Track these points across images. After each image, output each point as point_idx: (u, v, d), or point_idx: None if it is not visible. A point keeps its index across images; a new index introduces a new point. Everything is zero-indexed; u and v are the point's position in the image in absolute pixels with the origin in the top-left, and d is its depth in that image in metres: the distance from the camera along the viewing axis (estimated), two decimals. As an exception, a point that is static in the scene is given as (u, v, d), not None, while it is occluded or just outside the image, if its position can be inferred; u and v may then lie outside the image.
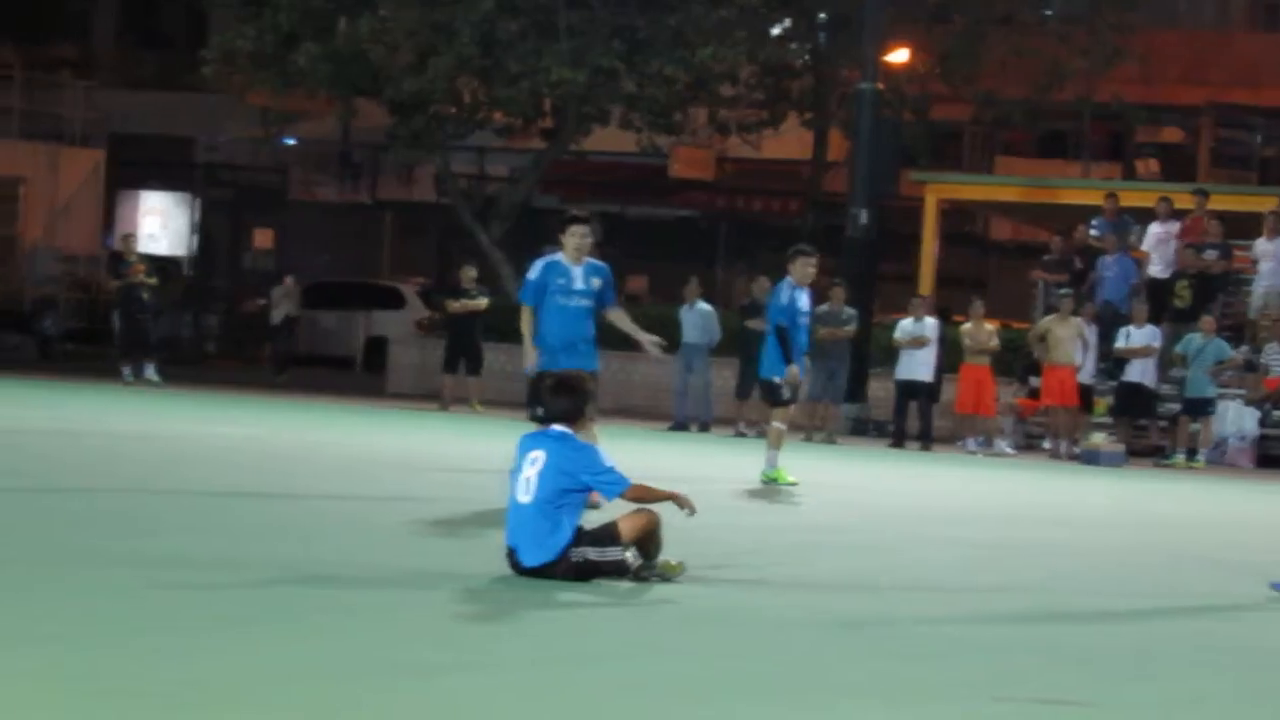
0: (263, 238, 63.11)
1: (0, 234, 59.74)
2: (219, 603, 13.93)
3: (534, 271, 21.95)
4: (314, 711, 10.52)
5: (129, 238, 45.71)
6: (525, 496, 15.24)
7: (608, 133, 55.61)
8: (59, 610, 13.19)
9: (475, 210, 53.36)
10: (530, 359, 21.85)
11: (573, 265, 21.63)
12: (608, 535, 15.29)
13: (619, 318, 22.62)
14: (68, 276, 56.08)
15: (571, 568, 15.02)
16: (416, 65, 50.41)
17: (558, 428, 15.69)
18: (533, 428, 16.63)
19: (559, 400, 17.04)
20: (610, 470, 15.31)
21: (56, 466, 24.05)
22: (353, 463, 27.47)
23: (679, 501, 15.48)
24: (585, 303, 21.70)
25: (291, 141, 63.14)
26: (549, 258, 21.94)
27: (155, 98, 61.87)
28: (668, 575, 15.39)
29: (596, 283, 21.57)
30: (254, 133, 61.37)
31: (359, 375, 48.03)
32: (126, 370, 43.94)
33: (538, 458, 15.37)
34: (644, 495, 15.35)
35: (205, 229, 66.36)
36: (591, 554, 15.17)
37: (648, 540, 15.36)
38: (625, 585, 15.35)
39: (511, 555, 15.30)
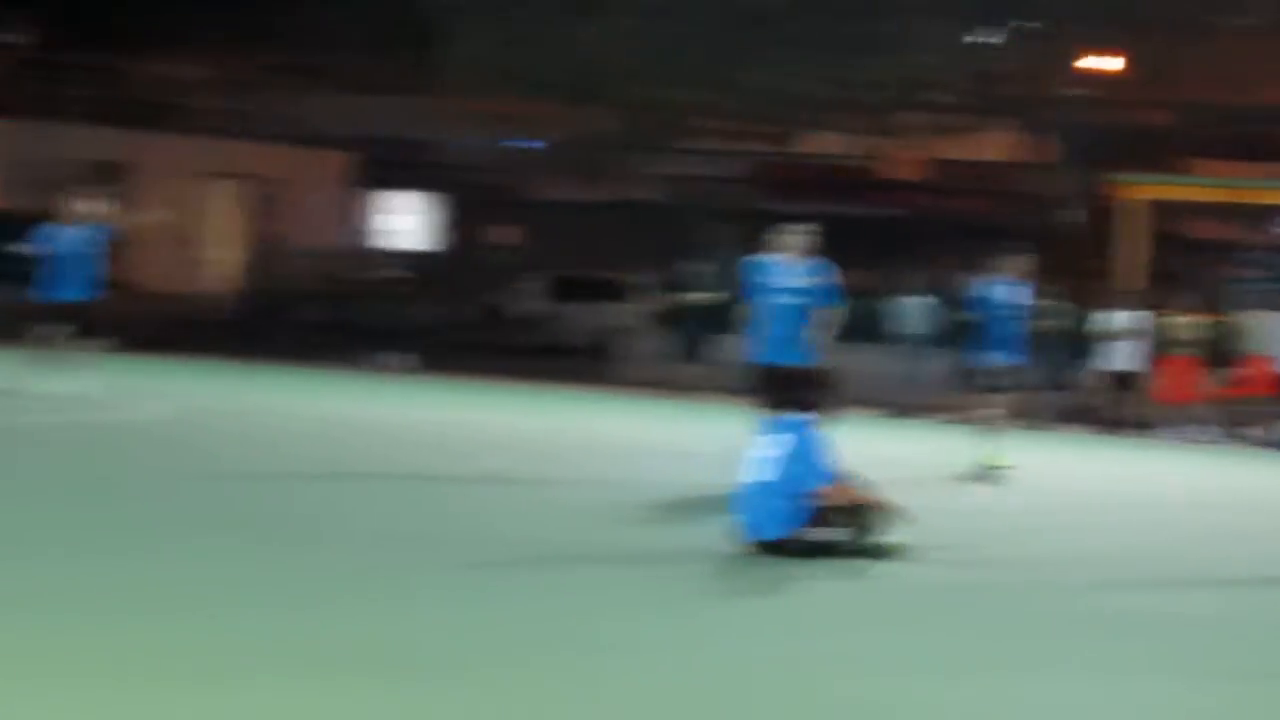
0: (505, 235, 63.45)
1: (262, 230, 60.54)
2: (479, 577, 14.31)
3: (753, 269, 22.03)
4: (558, 677, 10.88)
5: (384, 235, 46.40)
6: (762, 477, 15.41)
7: (825, 136, 56.08)
8: (316, 577, 13.84)
9: (703, 209, 53.71)
10: (746, 351, 22.02)
11: (789, 264, 21.61)
12: (834, 516, 15.46)
13: (828, 320, 22.26)
14: (325, 270, 56.62)
15: (801, 545, 15.21)
16: (648, 73, 50.88)
17: (797, 416, 15.88)
18: (760, 416, 16.95)
19: (800, 392, 17.74)
20: (827, 464, 15.54)
21: (302, 450, 24.51)
22: (589, 447, 27.68)
23: (885, 508, 15.77)
24: (799, 300, 21.56)
25: (532, 144, 63.62)
26: (767, 256, 21.98)
27: (404, 103, 62.34)
28: (890, 553, 15.54)
29: (811, 281, 21.58)
30: (497, 136, 62.16)
31: (596, 363, 48.16)
32: (382, 358, 44.48)
33: (776, 442, 15.62)
34: (847, 495, 15.52)
35: (452, 227, 66.90)
36: (819, 533, 15.35)
37: (869, 523, 15.63)
38: (851, 562, 15.52)
39: (746, 531, 15.47)
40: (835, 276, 21.70)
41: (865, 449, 16.24)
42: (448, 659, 11.25)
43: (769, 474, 15.50)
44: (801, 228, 21.77)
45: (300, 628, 11.78)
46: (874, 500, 15.65)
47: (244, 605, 12.45)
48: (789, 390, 20.91)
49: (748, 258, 22.44)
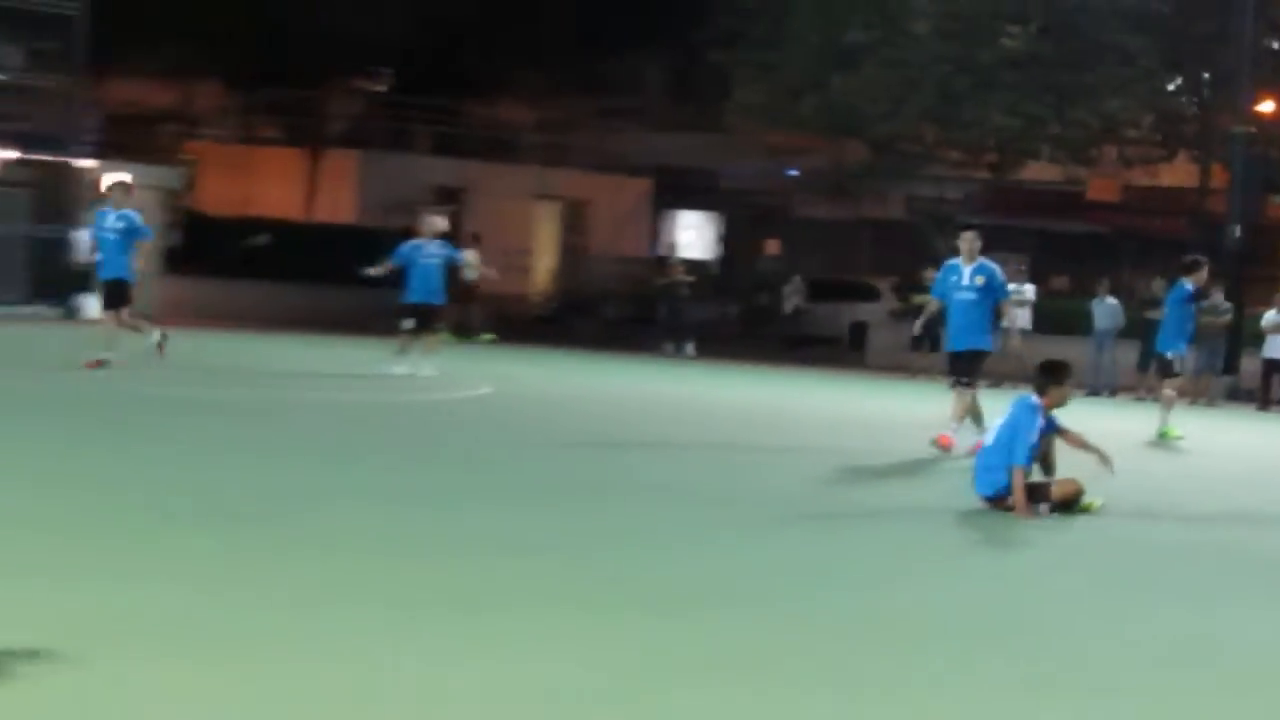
0: (771, 246, 63.89)
1: (573, 242, 61.47)
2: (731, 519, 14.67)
3: (940, 271, 22.25)
4: (843, 607, 11.07)
5: (671, 246, 47.09)
6: (991, 441, 15.79)
7: (1036, 165, 56.64)
8: (645, 528, 14.14)
9: (934, 226, 54.31)
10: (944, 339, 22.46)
11: (964, 265, 21.55)
12: (1040, 491, 15.59)
13: (1006, 313, 22.61)
14: (622, 275, 57.32)
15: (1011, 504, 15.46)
16: (890, 113, 51.58)
17: (1033, 397, 15.80)
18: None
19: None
20: (1029, 446, 15.41)
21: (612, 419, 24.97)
22: (839, 420, 27.83)
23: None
24: (972, 295, 21.40)
25: (793, 172, 64.04)
26: (950, 260, 22.16)
27: (690, 138, 62.93)
28: (1087, 511, 15.73)
29: (981, 280, 21.42)
30: (765, 164, 62.87)
31: (845, 352, 48.52)
32: (669, 347, 45.14)
33: (1007, 414, 15.79)
34: (1020, 485, 15.37)
35: (727, 240, 67.49)
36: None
37: (1068, 503, 15.70)
38: (1062, 518, 15.60)
39: (976, 489, 15.84)
40: (999, 275, 21.59)
41: (1068, 421, 16.30)
42: (752, 592, 11.39)
43: (994, 440, 15.66)
44: (969, 235, 21.94)
45: (646, 569, 12.10)
46: (1074, 488, 15.72)
47: (603, 549, 12.77)
48: (968, 369, 21.36)
49: (944, 262, 22.56)
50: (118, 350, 26.00)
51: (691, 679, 8.74)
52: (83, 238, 41.33)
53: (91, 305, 39.86)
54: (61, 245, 43.09)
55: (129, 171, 45.05)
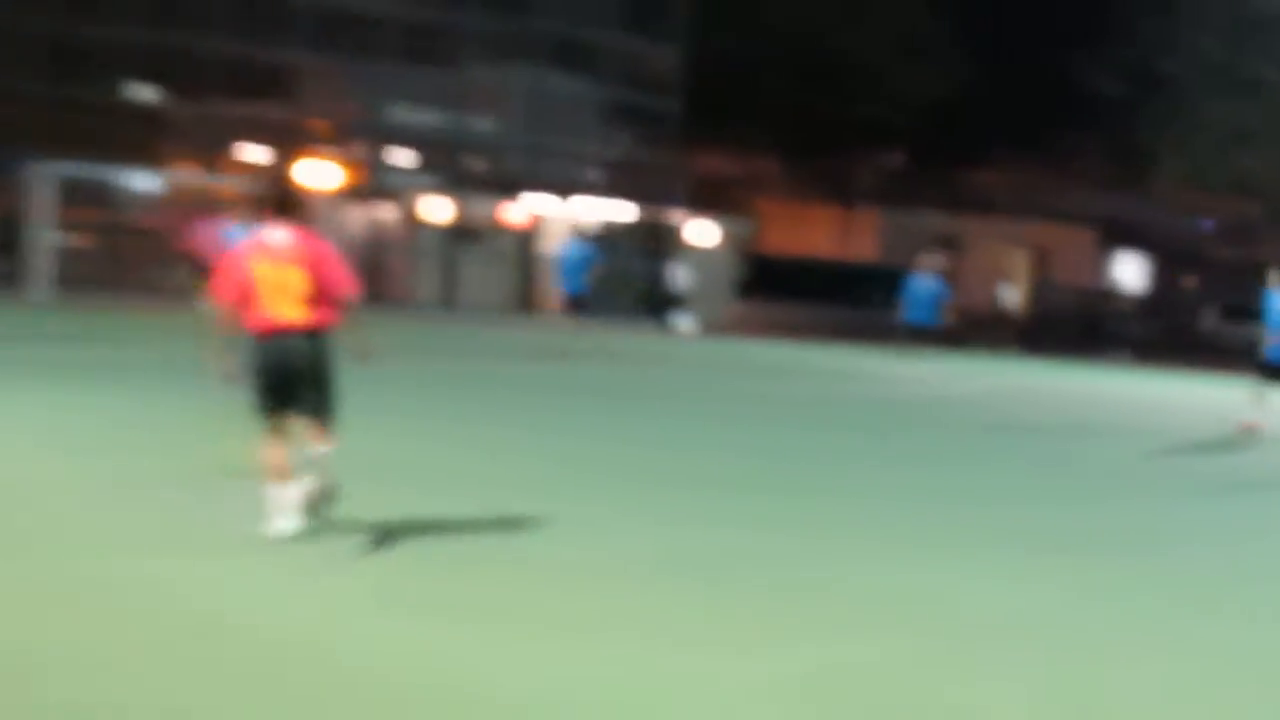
0: (1189, 281, 62.36)
1: (1039, 277, 60.93)
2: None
3: (1266, 296, 20.36)
4: (1181, 559, 11.08)
5: (1113, 280, 46.89)
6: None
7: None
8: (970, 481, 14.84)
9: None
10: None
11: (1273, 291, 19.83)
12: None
13: None
14: (1076, 301, 57.22)
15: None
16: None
17: None
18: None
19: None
20: None
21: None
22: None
23: None
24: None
25: (1208, 223, 63.29)
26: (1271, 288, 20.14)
27: (1125, 196, 62.06)
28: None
29: None
30: (1185, 218, 62.34)
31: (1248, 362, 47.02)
32: (1114, 354, 44.73)
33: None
34: None
35: (1156, 275, 66.56)
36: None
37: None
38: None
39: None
40: None
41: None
42: (1124, 541, 11.55)
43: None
44: (1274, 267, 20.23)
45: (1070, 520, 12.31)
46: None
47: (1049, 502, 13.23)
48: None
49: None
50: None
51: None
52: (676, 271, 44.37)
53: (682, 321, 42.80)
54: (660, 277, 45.64)
55: (710, 224, 48.18)
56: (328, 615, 7.83)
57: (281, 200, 9.56)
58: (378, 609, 8.01)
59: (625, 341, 33.82)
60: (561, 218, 45.50)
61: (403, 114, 44.98)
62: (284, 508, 9.56)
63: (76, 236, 40.39)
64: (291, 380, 9.37)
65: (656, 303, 44.94)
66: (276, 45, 46.15)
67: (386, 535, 9.74)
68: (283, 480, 9.55)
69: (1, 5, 53.28)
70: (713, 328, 42.94)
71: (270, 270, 9.29)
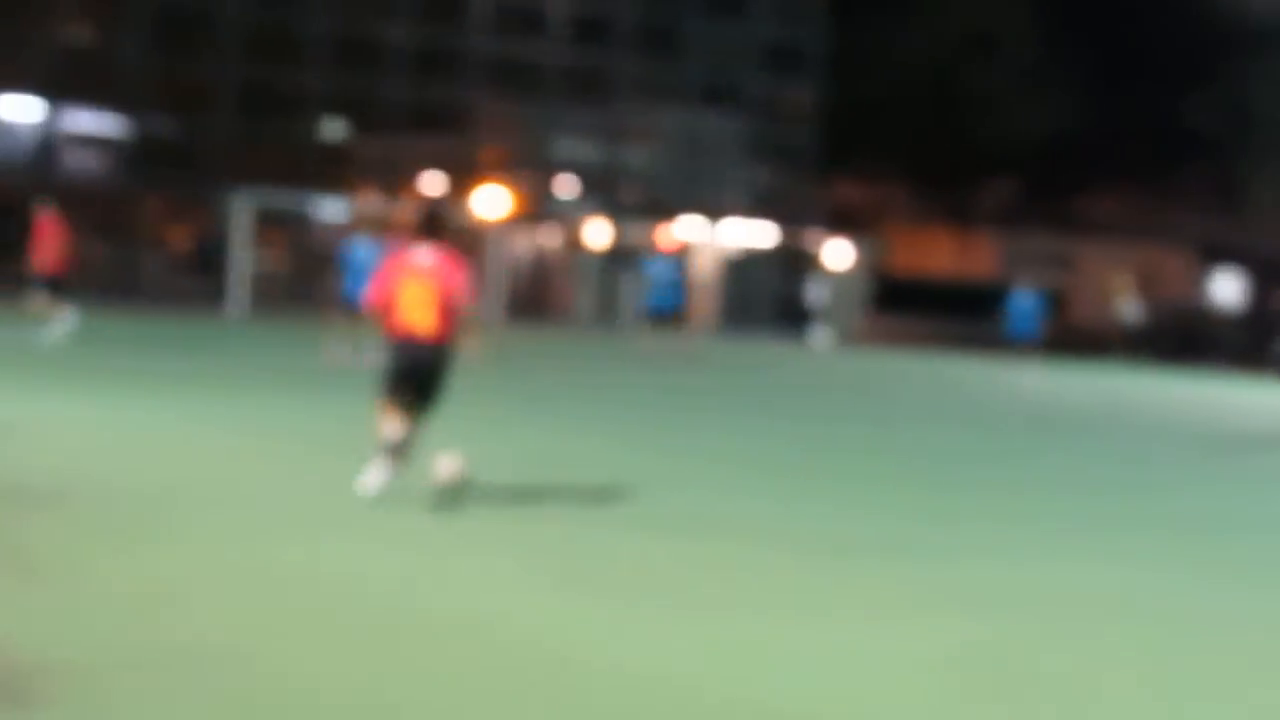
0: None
1: (1146, 293, 60.13)
2: None
3: None
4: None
5: (1210, 297, 46.04)
6: None
7: None
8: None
9: None
10: None
11: None
12: None
13: None
14: (1177, 316, 56.27)
15: None
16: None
17: None
18: None
19: None
20: None
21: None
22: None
23: None
24: None
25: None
26: None
27: (1223, 218, 61.48)
28: None
29: None
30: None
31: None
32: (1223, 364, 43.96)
33: None
34: None
35: (1252, 291, 65.43)
36: None
37: None
38: None
39: None
40: None
41: None
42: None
43: None
44: None
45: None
46: None
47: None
48: None
49: None
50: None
51: None
52: (812, 289, 43.79)
53: (817, 335, 42.30)
54: (797, 293, 44.88)
55: (843, 245, 47.49)
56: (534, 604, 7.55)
57: (428, 223, 10.07)
58: (554, 588, 7.92)
59: (769, 353, 33.85)
60: (710, 241, 45.03)
61: (566, 147, 44.56)
62: (379, 471, 9.92)
63: (271, 258, 40.48)
64: (415, 379, 9.84)
65: (795, 318, 44.27)
66: (452, 86, 46.13)
67: (545, 513, 9.96)
68: (390, 453, 9.91)
69: (205, 53, 53.98)
70: (846, 340, 42.42)
71: (413, 284, 9.75)
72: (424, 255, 9.84)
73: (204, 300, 36.44)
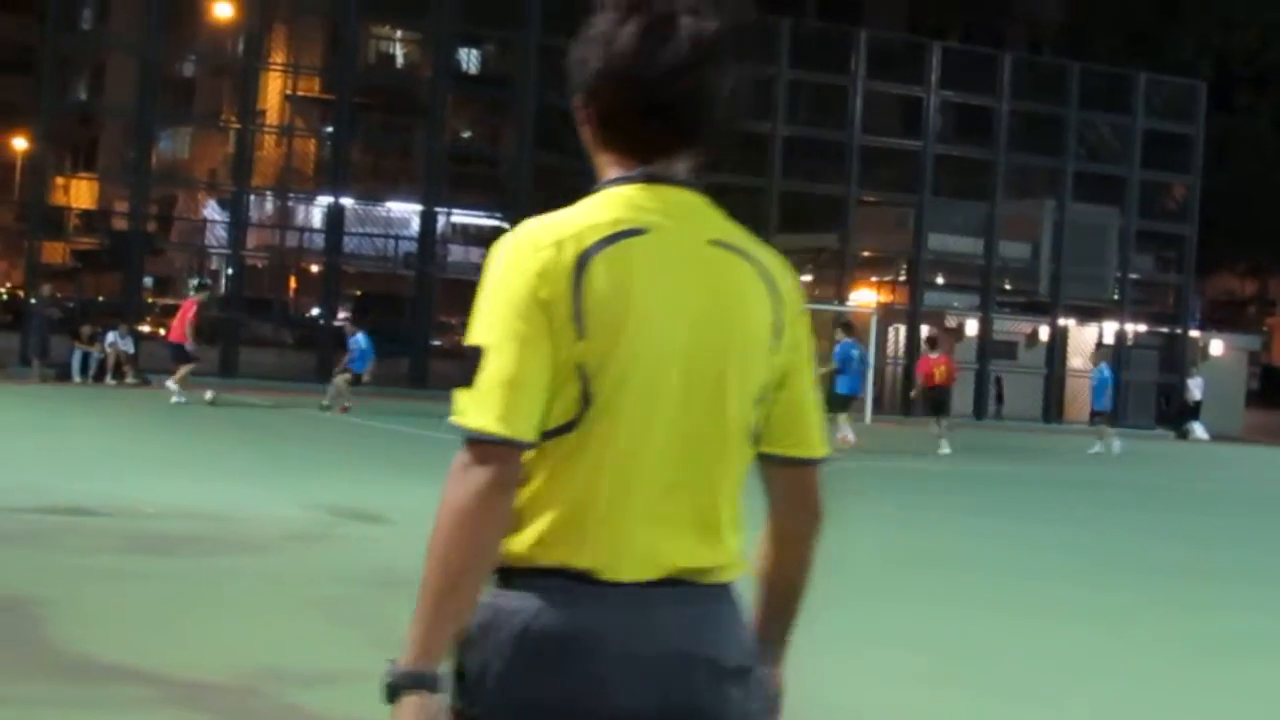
0: None
1: None
2: None
3: None
4: None
5: None
6: None
7: None
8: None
9: None
10: None
11: None
12: None
13: None
14: None
15: None
16: None
17: None
18: None
19: None
20: None
21: None
22: None
23: None
24: None
25: None
26: None
27: None
28: None
29: None
30: None
31: None
32: None
33: None
34: None
35: None
36: None
37: None
38: None
39: None
40: None
41: None
42: None
43: None
44: None
45: None
46: None
47: None
48: None
49: None
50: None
51: None
52: (1192, 383, 44.81)
53: (1197, 429, 43.28)
54: (1177, 389, 45.69)
55: (1222, 338, 48.41)
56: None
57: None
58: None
59: (1152, 447, 34.30)
60: (1086, 334, 46.55)
61: (942, 241, 46.94)
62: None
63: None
64: None
65: (1175, 413, 44.95)
66: (830, 181, 48.52)
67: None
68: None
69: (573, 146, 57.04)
70: (1226, 435, 43.09)
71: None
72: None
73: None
